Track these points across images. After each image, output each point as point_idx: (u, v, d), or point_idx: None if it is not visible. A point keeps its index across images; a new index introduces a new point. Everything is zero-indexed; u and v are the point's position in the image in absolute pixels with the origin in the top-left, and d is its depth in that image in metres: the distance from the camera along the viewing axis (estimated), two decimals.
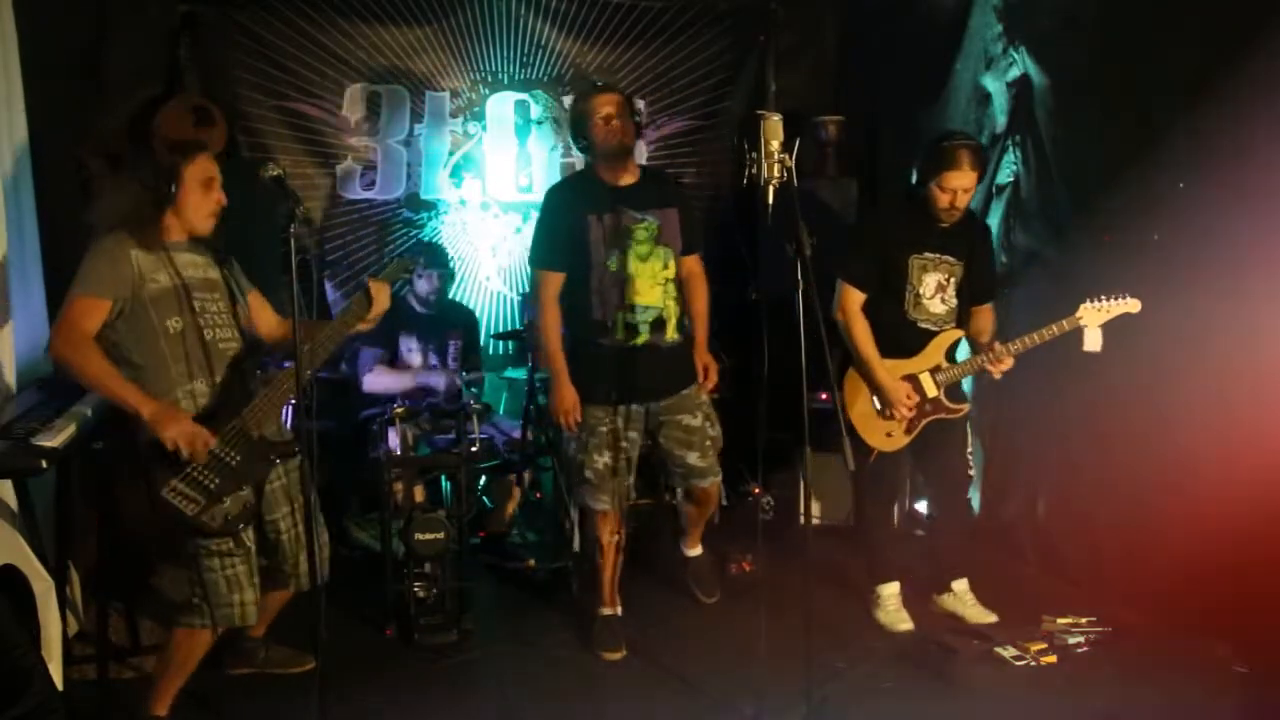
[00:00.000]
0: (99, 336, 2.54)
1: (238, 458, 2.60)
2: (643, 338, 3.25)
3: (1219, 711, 2.89)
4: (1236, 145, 3.10)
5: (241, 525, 2.62)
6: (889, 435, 3.38)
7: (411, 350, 4.36)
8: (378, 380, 4.25)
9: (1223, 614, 3.18)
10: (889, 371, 3.32)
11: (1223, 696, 2.93)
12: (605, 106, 3.19)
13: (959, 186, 3.19)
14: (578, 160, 5.28)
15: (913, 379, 3.34)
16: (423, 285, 4.39)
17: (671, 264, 3.28)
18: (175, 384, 2.60)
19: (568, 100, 5.27)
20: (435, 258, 4.46)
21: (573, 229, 3.23)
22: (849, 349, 3.37)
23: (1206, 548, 3.16)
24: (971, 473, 3.47)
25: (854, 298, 3.33)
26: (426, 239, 5.05)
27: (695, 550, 3.78)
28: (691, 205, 3.48)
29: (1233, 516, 3.08)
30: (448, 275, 4.53)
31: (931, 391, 3.35)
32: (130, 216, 2.59)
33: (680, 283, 3.32)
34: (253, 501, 2.63)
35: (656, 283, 3.25)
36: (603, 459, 3.28)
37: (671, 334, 3.29)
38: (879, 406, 3.36)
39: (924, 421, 3.37)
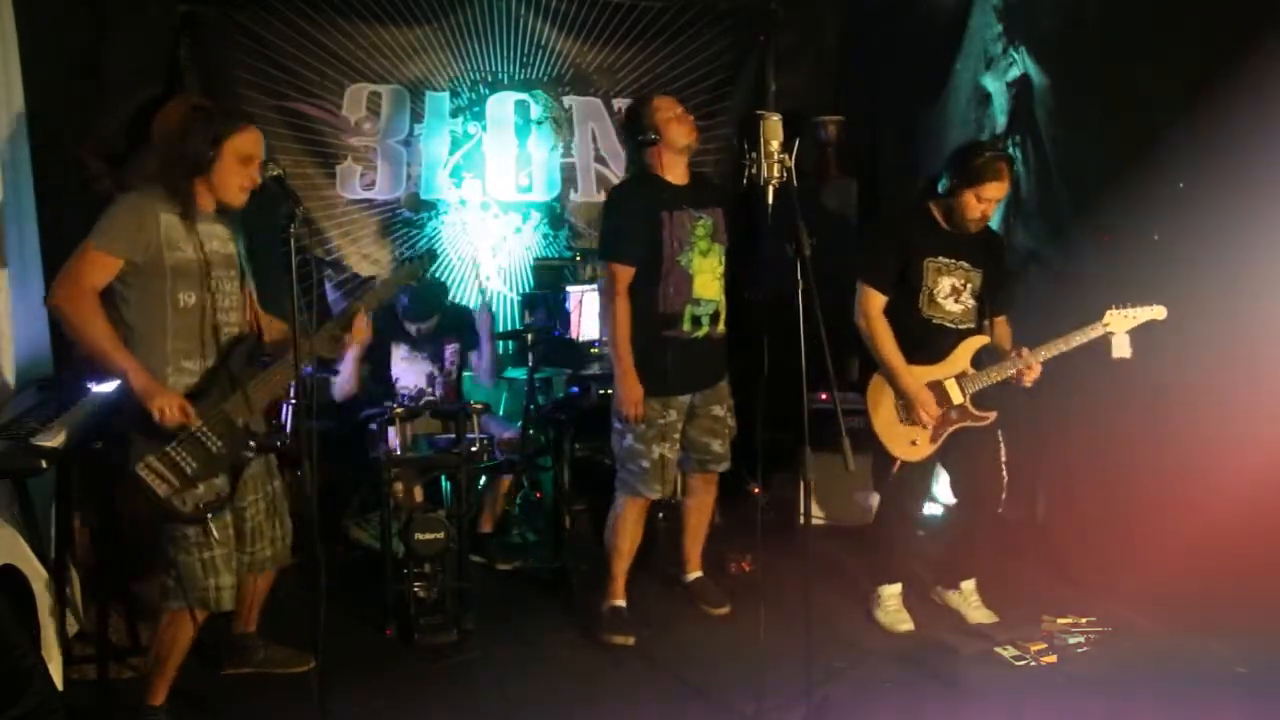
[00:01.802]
0: (105, 289, 2.50)
1: (219, 443, 2.57)
2: (704, 330, 3.39)
3: (1219, 711, 2.88)
4: (1236, 145, 3.10)
5: (212, 514, 2.58)
6: (913, 444, 3.34)
7: (404, 358, 4.34)
8: (340, 389, 4.18)
9: (1223, 614, 3.18)
10: (915, 377, 3.30)
11: (1223, 696, 2.93)
12: (677, 106, 3.37)
13: (996, 197, 3.26)
14: (578, 160, 5.32)
15: (937, 385, 3.32)
16: (414, 329, 4.28)
17: (723, 260, 3.43)
18: (169, 358, 2.57)
19: (568, 100, 5.29)
20: (420, 308, 4.23)
21: (647, 225, 3.32)
22: (872, 354, 3.33)
23: (1207, 548, 3.16)
24: (1005, 483, 3.42)
25: (876, 301, 3.32)
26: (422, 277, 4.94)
27: (695, 573, 3.76)
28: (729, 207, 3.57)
29: (1233, 516, 3.08)
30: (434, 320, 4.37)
31: (957, 398, 3.31)
32: (160, 177, 2.55)
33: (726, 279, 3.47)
34: (226, 491, 2.61)
35: (716, 277, 3.41)
36: (660, 449, 3.38)
37: (722, 327, 3.46)
38: (901, 415, 3.34)
39: (949, 429, 3.33)
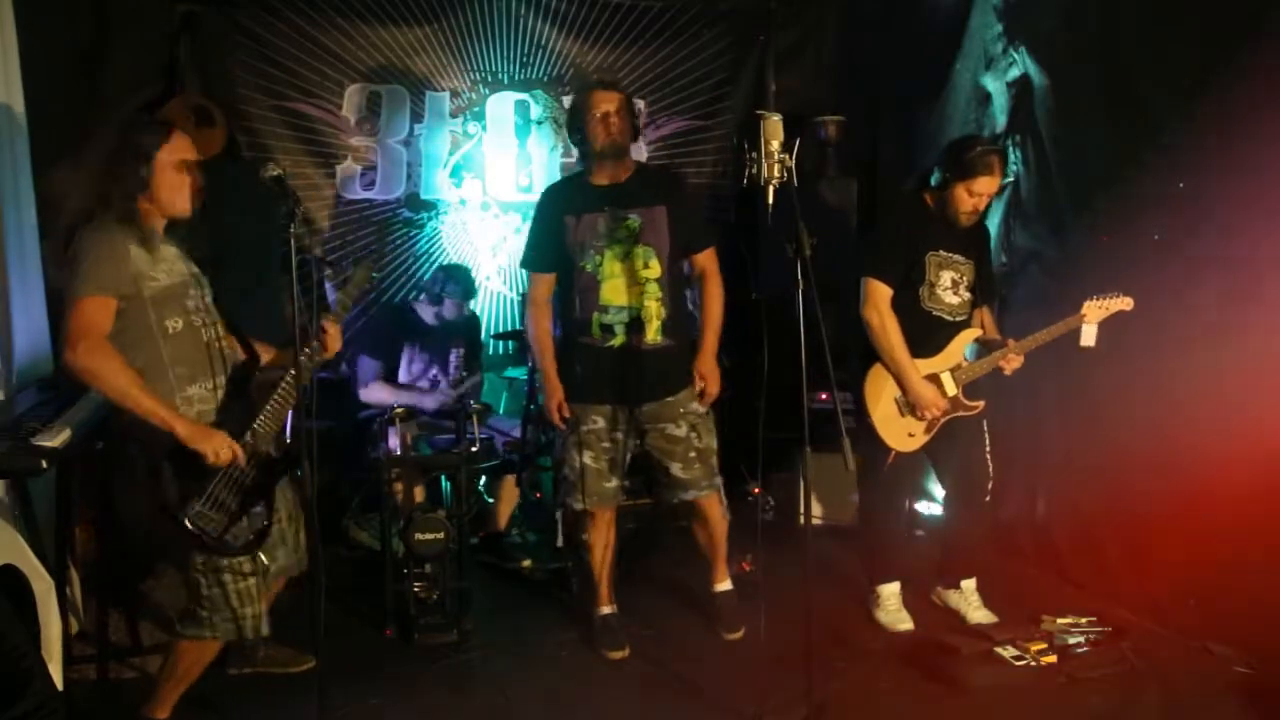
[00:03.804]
0: None
1: (252, 474, 2.55)
2: (618, 339, 3.22)
3: (1219, 711, 2.88)
4: (1236, 145, 3.10)
5: (259, 544, 2.57)
6: (910, 436, 3.38)
7: (414, 361, 4.34)
8: (373, 394, 4.22)
9: (1223, 614, 3.18)
10: (921, 376, 3.31)
11: (1223, 696, 2.93)
12: (604, 105, 3.16)
13: (987, 191, 3.28)
14: (578, 160, 5.31)
15: (934, 378, 3.35)
16: (452, 310, 4.35)
17: (654, 263, 3.21)
18: (174, 388, 2.52)
19: (568, 100, 5.28)
20: (466, 286, 4.38)
21: (554, 231, 3.25)
22: (880, 348, 3.32)
23: (1207, 547, 3.16)
24: (991, 471, 3.46)
25: (883, 294, 3.31)
26: (447, 263, 5.00)
27: (722, 585, 3.56)
28: (689, 201, 3.39)
29: (1233, 516, 3.08)
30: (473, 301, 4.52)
31: (951, 390, 3.36)
32: (105, 204, 2.47)
33: (668, 283, 3.24)
34: (267, 520, 2.58)
35: (634, 282, 3.20)
36: (581, 458, 3.27)
37: (653, 336, 3.22)
38: (902, 409, 3.35)
39: (942, 420, 3.37)
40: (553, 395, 3.27)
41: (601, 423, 3.27)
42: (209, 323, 2.63)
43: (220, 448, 2.43)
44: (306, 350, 2.55)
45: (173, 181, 2.51)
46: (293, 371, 2.55)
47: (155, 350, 2.50)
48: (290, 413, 2.71)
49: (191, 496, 2.44)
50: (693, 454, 3.30)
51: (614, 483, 3.32)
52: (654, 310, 3.22)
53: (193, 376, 2.56)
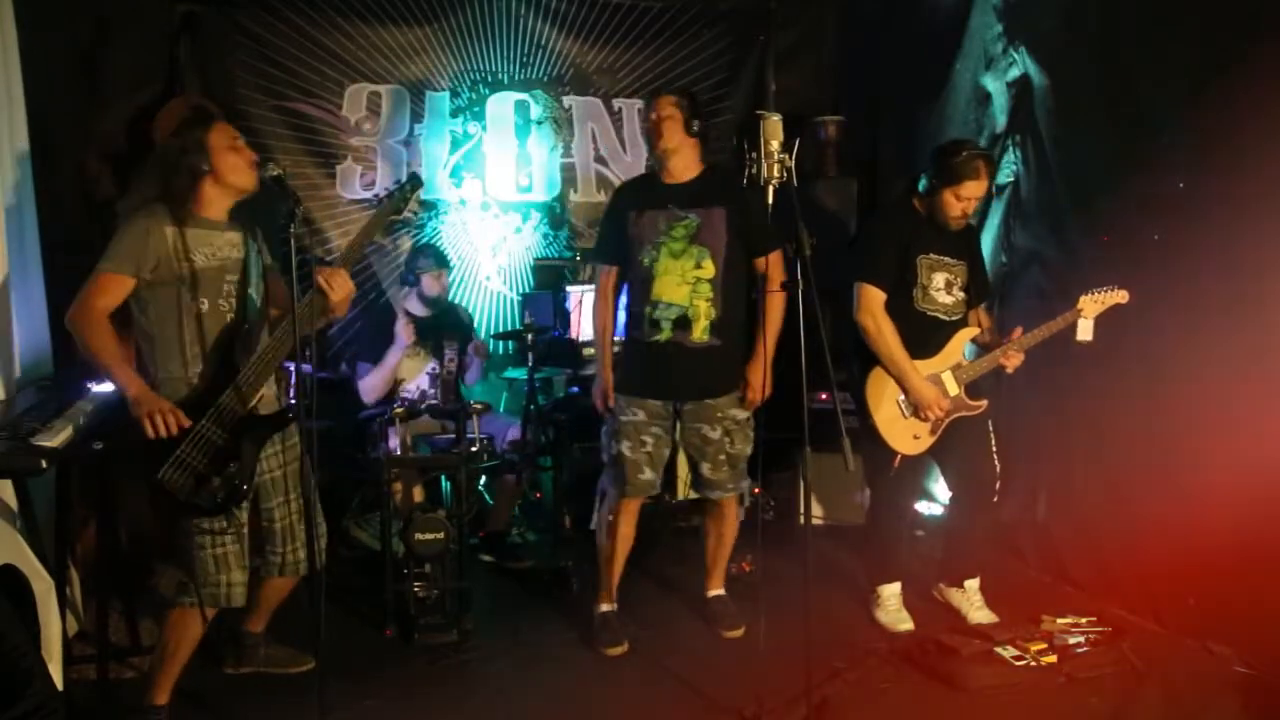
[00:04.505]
0: (127, 304, 2.63)
1: (225, 435, 2.61)
2: (665, 334, 3.27)
3: (1219, 711, 2.88)
4: (1236, 145, 3.10)
5: (233, 504, 2.63)
6: (916, 438, 3.37)
7: (409, 356, 4.31)
8: (369, 385, 4.21)
9: (1223, 614, 3.18)
10: (922, 376, 3.32)
11: (1223, 696, 2.93)
12: (650, 113, 3.32)
13: (975, 196, 3.29)
14: (578, 160, 5.32)
15: (935, 379, 3.35)
16: (431, 286, 4.34)
17: (707, 263, 3.24)
18: (189, 363, 2.66)
19: (568, 100, 5.30)
20: (437, 255, 4.41)
21: (619, 224, 3.36)
22: (879, 352, 3.32)
23: (1207, 548, 3.16)
24: (999, 470, 3.44)
25: (877, 297, 3.32)
26: (424, 241, 5.04)
27: (716, 590, 3.64)
28: (752, 205, 3.25)
29: (1233, 516, 3.08)
30: (449, 271, 4.52)
31: (953, 390, 3.36)
32: (165, 194, 2.66)
33: (721, 284, 3.25)
34: (240, 480, 2.63)
35: (685, 281, 3.25)
36: (620, 446, 3.33)
37: (700, 335, 3.26)
38: (905, 410, 3.35)
39: (946, 421, 3.37)
40: (598, 385, 3.41)
41: (642, 415, 3.32)
42: (236, 310, 2.73)
43: (155, 413, 2.51)
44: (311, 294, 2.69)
45: (230, 160, 2.70)
46: (277, 337, 2.67)
47: (177, 326, 2.65)
48: (286, 375, 2.77)
49: (162, 460, 2.54)
50: (722, 457, 3.36)
51: (649, 475, 3.36)
52: (703, 310, 3.25)
53: (206, 357, 2.68)
